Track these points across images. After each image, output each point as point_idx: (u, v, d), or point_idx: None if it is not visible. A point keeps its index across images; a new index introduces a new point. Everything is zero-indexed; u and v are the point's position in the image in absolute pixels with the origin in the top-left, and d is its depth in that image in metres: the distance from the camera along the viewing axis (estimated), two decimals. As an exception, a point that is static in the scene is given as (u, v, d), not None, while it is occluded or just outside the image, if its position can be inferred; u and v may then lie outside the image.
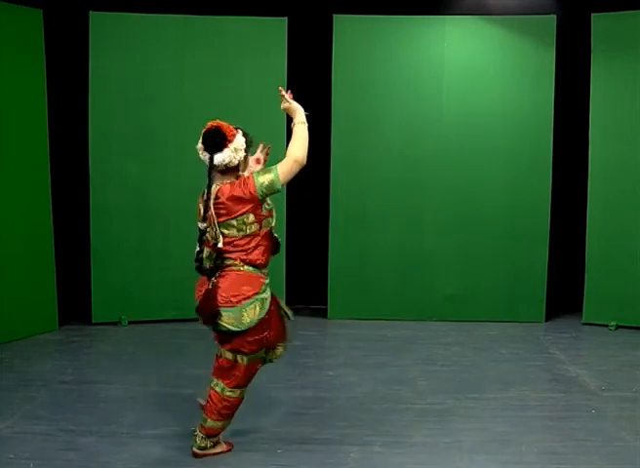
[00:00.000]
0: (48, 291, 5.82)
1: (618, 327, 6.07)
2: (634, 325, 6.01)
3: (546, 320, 6.33)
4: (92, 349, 5.53)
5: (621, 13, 5.92)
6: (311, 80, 6.43)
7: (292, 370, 4.93)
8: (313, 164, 6.38)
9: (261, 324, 3.45)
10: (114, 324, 6.07)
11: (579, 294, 6.25)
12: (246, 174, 3.53)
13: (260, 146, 3.84)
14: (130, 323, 6.10)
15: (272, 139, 6.14)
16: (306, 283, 6.59)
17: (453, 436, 3.84)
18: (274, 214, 3.56)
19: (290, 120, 3.64)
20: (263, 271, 3.49)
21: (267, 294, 3.48)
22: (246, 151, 3.56)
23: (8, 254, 5.46)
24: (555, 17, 6.17)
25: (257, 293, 3.43)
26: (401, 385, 4.64)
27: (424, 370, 4.98)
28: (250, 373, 3.57)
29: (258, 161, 3.81)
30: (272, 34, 6.18)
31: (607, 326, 6.10)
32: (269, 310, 3.48)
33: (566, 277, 6.55)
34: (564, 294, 6.59)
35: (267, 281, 3.50)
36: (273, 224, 3.56)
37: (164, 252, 6.16)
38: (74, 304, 6.17)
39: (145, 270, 6.15)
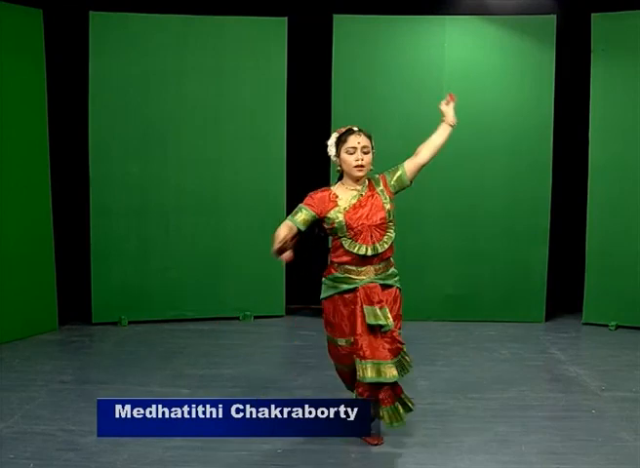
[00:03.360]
0: (48, 291, 5.82)
1: (618, 327, 6.07)
2: (634, 325, 6.01)
3: (546, 320, 6.33)
4: (92, 349, 5.54)
5: (621, 13, 5.92)
6: (311, 80, 6.44)
7: (292, 370, 4.93)
8: (313, 164, 6.42)
9: (324, 305, 3.81)
10: (114, 324, 6.07)
11: (579, 294, 6.24)
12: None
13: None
14: (130, 323, 6.10)
15: (272, 139, 6.26)
16: (306, 283, 6.58)
17: (453, 436, 3.84)
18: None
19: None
20: (336, 265, 3.75)
21: (335, 284, 3.73)
22: (335, 151, 3.77)
23: (8, 254, 5.47)
24: (555, 17, 6.17)
25: (324, 277, 3.82)
26: (401, 385, 4.64)
27: (424, 370, 4.97)
28: (330, 352, 3.90)
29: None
30: (272, 34, 6.18)
31: (607, 326, 6.09)
32: (330, 299, 3.75)
33: (566, 277, 6.55)
34: (564, 294, 6.59)
35: (339, 274, 3.72)
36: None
37: (164, 252, 6.16)
38: (74, 304, 6.17)
39: (145, 270, 6.15)
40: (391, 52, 6.26)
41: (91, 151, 5.97)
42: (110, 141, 6.01)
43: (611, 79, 6.03)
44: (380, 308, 3.64)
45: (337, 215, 3.65)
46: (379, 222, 3.66)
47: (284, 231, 3.61)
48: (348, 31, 6.22)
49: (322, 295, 3.81)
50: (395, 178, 3.79)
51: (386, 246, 3.67)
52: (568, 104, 6.31)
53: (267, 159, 6.22)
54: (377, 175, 3.79)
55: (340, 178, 3.79)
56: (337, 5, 6.29)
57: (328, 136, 6.24)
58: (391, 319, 3.65)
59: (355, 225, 3.63)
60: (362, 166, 3.68)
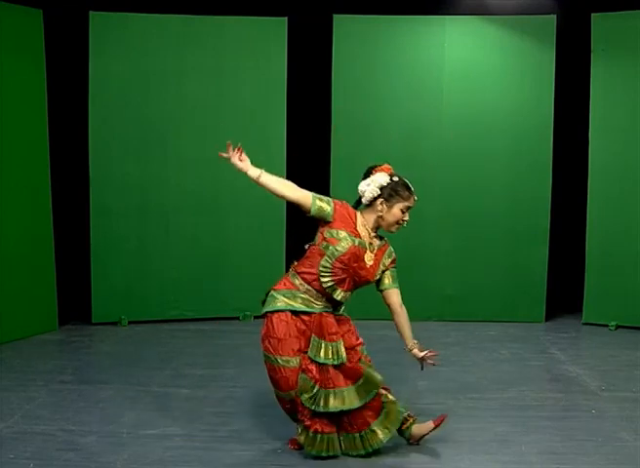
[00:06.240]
0: (48, 291, 5.82)
1: (618, 327, 6.08)
2: (634, 325, 6.01)
3: (546, 320, 6.34)
4: (92, 349, 5.53)
5: (621, 13, 5.93)
6: (311, 80, 6.44)
7: (292, 370, 4.92)
8: (313, 165, 6.42)
9: (270, 320, 3.50)
10: (114, 324, 6.07)
11: (579, 294, 6.25)
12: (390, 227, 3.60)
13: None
14: (130, 323, 6.10)
15: (273, 140, 6.26)
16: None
17: (453, 436, 3.84)
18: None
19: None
20: (299, 282, 3.52)
21: (287, 301, 3.49)
22: (384, 194, 3.53)
23: (8, 254, 5.46)
24: (555, 17, 6.17)
25: (275, 289, 3.54)
26: (401, 385, 4.64)
27: (424, 370, 4.96)
28: (271, 377, 3.54)
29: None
30: (272, 34, 6.18)
31: (607, 326, 6.10)
32: (279, 314, 3.48)
33: (566, 277, 6.55)
34: (564, 294, 6.59)
35: (301, 294, 3.50)
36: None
37: (164, 252, 6.16)
38: (74, 304, 6.17)
39: (145, 270, 6.15)
40: (391, 52, 6.27)
41: (91, 151, 5.97)
42: (110, 141, 6.01)
43: (611, 79, 6.03)
44: (332, 342, 3.45)
45: (346, 238, 3.45)
46: (362, 281, 3.53)
47: (291, 191, 3.45)
48: (348, 31, 6.22)
49: (270, 308, 3.50)
50: (386, 275, 3.61)
51: (341, 298, 3.51)
52: (568, 104, 6.32)
53: (267, 159, 6.17)
54: (393, 253, 3.65)
55: (358, 204, 3.61)
56: (337, 5, 6.30)
57: (329, 136, 6.31)
58: (343, 352, 3.46)
59: (346, 265, 3.44)
60: (403, 226, 3.60)
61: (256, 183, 3.46)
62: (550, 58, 6.15)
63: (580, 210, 6.24)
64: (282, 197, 3.51)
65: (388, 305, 3.65)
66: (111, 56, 5.97)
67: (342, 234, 3.46)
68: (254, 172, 3.44)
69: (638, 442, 3.74)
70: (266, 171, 3.52)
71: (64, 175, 6.14)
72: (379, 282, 3.62)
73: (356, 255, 3.47)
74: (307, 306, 3.50)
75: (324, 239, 3.48)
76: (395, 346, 5.59)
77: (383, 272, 3.60)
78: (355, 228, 3.51)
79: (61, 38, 6.02)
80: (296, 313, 3.50)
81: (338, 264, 3.45)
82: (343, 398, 3.45)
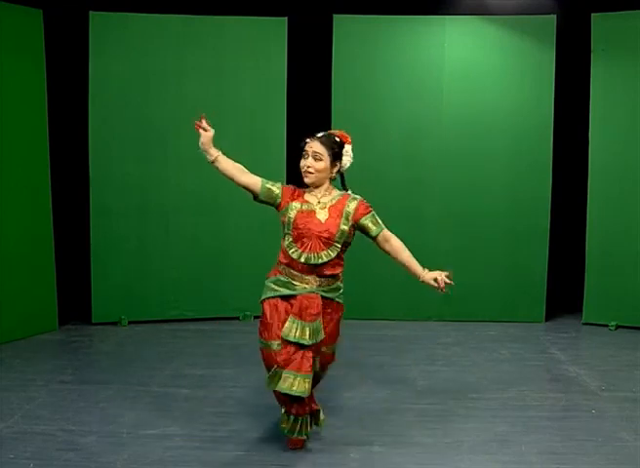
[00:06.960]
0: (48, 291, 5.82)
1: (618, 327, 6.08)
2: (634, 325, 6.01)
3: (546, 320, 6.34)
4: (92, 349, 5.53)
5: (621, 13, 5.93)
6: (311, 80, 6.44)
7: (292, 370, 4.92)
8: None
9: (263, 307, 3.60)
10: (114, 324, 6.07)
11: (579, 294, 6.25)
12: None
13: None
14: (130, 323, 6.10)
15: (272, 140, 6.26)
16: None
17: (453, 436, 3.84)
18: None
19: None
20: (281, 267, 3.60)
21: (275, 287, 3.59)
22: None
23: (8, 254, 5.46)
24: (555, 17, 6.17)
25: (267, 278, 3.65)
26: (401, 385, 4.65)
27: (424, 370, 4.98)
28: (265, 360, 3.59)
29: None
30: (272, 34, 6.18)
31: (607, 326, 6.10)
32: (269, 301, 3.58)
33: (566, 277, 6.55)
34: (564, 294, 6.59)
35: (283, 278, 3.57)
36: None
37: (164, 252, 6.16)
38: (74, 304, 6.17)
39: (145, 270, 6.15)
40: (391, 52, 6.27)
41: (91, 151, 5.97)
42: (110, 141, 6.01)
43: (611, 79, 6.03)
44: (311, 321, 3.50)
45: (293, 207, 3.58)
46: (325, 236, 3.54)
47: (242, 175, 3.68)
48: (348, 31, 6.22)
49: (262, 297, 3.62)
50: (366, 224, 3.63)
51: (320, 261, 3.52)
52: (568, 104, 6.32)
53: (267, 159, 6.21)
54: (357, 198, 3.65)
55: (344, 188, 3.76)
56: (337, 5, 6.30)
57: (328, 137, 6.27)
58: (322, 333, 3.52)
59: (301, 226, 3.53)
60: (308, 172, 3.59)
61: (210, 164, 3.68)
62: (550, 58, 6.15)
63: (580, 210, 6.24)
64: (235, 182, 3.68)
65: (384, 249, 3.72)
66: (111, 56, 5.96)
67: (291, 205, 3.59)
68: (214, 151, 3.65)
69: (638, 442, 3.74)
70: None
71: (64, 175, 6.14)
72: (367, 232, 3.64)
73: (305, 217, 3.56)
74: (290, 289, 3.57)
75: (282, 224, 3.62)
76: (395, 346, 5.62)
77: (359, 221, 3.61)
78: (297, 198, 3.62)
79: (61, 38, 6.02)
80: (286, 298, 3.57)
81: (295, 232, 3.55)
82: (303, 383, 3.48)
